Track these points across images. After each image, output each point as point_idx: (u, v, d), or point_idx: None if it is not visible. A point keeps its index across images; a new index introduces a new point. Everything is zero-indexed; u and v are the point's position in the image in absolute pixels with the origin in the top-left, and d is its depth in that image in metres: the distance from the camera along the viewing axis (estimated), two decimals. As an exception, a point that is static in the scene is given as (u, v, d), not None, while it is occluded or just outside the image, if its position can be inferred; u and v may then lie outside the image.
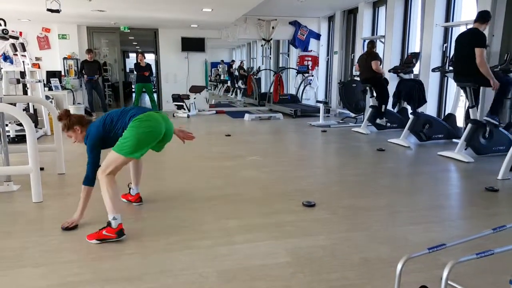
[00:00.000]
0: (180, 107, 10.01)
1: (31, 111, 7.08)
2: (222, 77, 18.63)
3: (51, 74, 8.80)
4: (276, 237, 2.71)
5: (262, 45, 12.43)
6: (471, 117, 5.05)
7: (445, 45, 6.90)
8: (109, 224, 2.64)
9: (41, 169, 3.89)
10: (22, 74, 7.11)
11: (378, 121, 7.22)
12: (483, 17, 4.78)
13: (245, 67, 16.57)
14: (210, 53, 12.35)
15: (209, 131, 7.85)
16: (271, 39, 11.63)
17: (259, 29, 11.38)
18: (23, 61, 7.05)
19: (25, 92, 7.24)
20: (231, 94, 16.75)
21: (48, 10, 5.47)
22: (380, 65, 6.98)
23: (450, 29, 6.84)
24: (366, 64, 7.08)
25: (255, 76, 13.92)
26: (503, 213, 3.33)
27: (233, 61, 19.37)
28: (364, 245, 2.58)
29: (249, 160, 5.09)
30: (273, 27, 11.39)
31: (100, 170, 2.78)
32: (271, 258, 2.41)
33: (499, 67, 5.23)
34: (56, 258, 2.40)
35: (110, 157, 2.77)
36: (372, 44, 7.13)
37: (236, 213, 3.18)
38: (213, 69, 19.56)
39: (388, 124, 7.29)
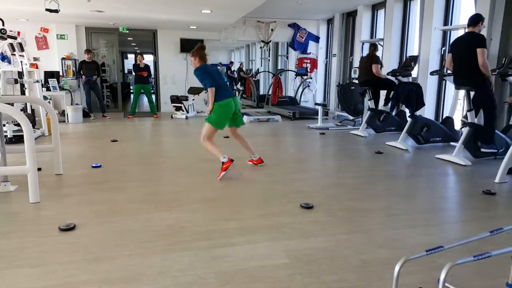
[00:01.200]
0: (178, 109, 10.01)
1: (29, 111, 7.07)
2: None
3: (49, 75, 8.78)
4: (274, 239, 2.71)
5: (261, 47, 12.43)
6: (469, 120, 5.06)
7: (443, 48, 6.93)
8: (223, 163, 4.25)
9: (39, 169, 3.88)
10: (20, 74, 7.09)
11: (381, 107, 7.20)
12: (473, 19, 4.82)
13: (244, 68, 16.58)
14: (209, 54, 12.35)
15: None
16: (270, 41, 11.64)
17: (258, 31, 11.39)
18: (21, 61, 7.04)
19: (22, 92, 7.22)
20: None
21: (47, 10, 5.47)
22: (380, 69, 7.00)
23: (449, 32, 6.87)
24: (366, 67, 7.11)
25: (254, 78, 13.92)
26: (501, 216, 3.34)
27: (231, 62, 19.38)
28: (362, 247, 2.59)
29: (247, 162, 5.09)
30: (272, 29, 11.41)
31: (201, 139, 4.44)
32: (269, 259, 2.41)
33: (497, 70, 5.26)
34: (53, 258, 2.39)
35: (204, 128, 4.41)
36: (374, 47, 7.15)
37: (234, 215, 3.17)
38: (212, 71, 19.53)
39: (386, 114, 7.26)
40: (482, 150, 5.00)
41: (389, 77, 7.22)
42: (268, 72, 14.48)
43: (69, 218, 3.02)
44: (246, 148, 4.85)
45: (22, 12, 8.12)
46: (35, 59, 9.72)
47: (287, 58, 13.33)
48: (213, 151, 4.39)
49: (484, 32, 4.90)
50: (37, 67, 9.22)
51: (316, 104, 10.15)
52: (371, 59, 7.01)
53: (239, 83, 15.70)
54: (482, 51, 4.66)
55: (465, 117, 5.24)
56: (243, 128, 4.91)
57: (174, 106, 10.06)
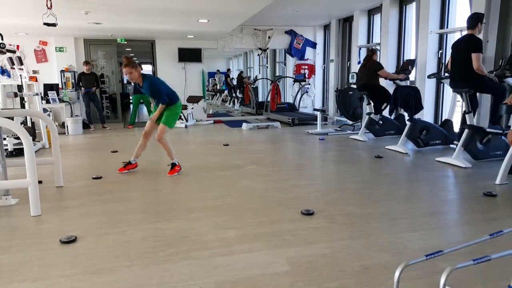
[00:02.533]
0: (178, 118, 10.02)
1: (29, 124, 7.09)
2: (219, 87, 18.71)
3: (48, 87, 8.81)
4: (275, 246, 2.70)
5: (258, 55, 12.49)
6: (468, 122, 5.07)
7: (440, 51, 6.95)
8: (174, 164, 4.83)
9: (39, 182, 3.88)
10: (20, 87, 7.13)
11: (372, 116, 7.22)
12: (471, 21, 4.84)
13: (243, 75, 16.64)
14: (207, 63, 12.40)
15: (207, 141, 7.87)
16: (268, 48, 11.70)
17: (255, 39, 11.45)
18: (20, 75, 7.08)
19: (22, 106, 7.26)
20: (229, 104, 16.80)
21: (45, 24, 5.49)
22: (384, 70, 7.02)
23: (445, 36, 6.90)
24: (364, 71, 7.14)
25: (252, 85, 13.98)
26: (502, 218, 3.34)
27: (228, 69, 19.46)
28: (363, 253, 2.58)
29: (247, 169, 5.09)
30: (269, 37, 11.47)
31: (157, 138, 4.80)
32: (270, 267, 2.41)
33: (494, 72, 5.28)
34: (55, 271, 2.39)
35: (161, 129, 4.80)
36: (372, 51, 7.18)
37: (234, 223, 3.17)
38: (210, 79, 19.65)
39: (381, 122, 7.28)
40: (488, 129, 4.99)
41: (387, 86, 7.25)
42: (266, 79, 14.54)
43: (70, 230, 3.03)
44: (141, 149, 5.10)
45: (21, 26, 8.18)
46: (34, 72, 9.77)
47: (284, 64, 13.40)
48: (168, 151, 4.93)
49: (480, 33, 4.91)
50: (36, 80, 9.25)
51: (315, 109, 10.18)
52: (373, 66, 7.02)
53: (238, 90, 15.75)
54: (477, 56, 4.69)
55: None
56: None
57: (174, 115, 10.07)
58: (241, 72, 16.88)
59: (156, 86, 4.79)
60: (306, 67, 11.62)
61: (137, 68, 4.61)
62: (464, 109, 5.21)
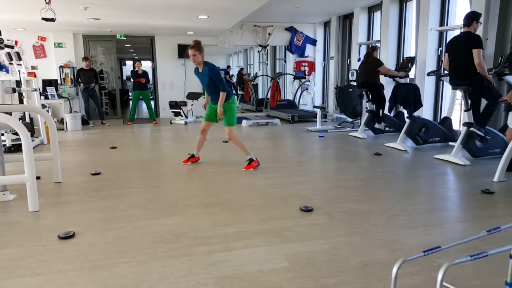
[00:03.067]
0: (177, 114, 10.02)
1: (27, 120, 7.08)
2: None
3: (47, 83, 8.80)
4: (274, 243, 2.71)
5: (258, 51, 12.48)
6: (467, 120, 5.07)
7: (440, 49, 6.95)
8: (251, 160, 4.86)
9: (38, 178, 3.89)
10: (18, 83, 7.10)
11: (376, 125, 7.26)
12: (468, 19, 4.84)
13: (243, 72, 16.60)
14: (207, 59, 12.36)
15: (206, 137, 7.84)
16: (268, 45, 11.68)
17: (255, 35, 11.43)
18: (18, 70, 7.06)
19: (21, 101, 7.23)
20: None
21: (43, 19, 5.48)
22: (384, 66, 7.02)
23: (445, 33, 6.90)
24: (364, 68, 7.13)
25: (252, 82, 13.96)
26: (499, 215, 3.34)
27: (228, 66, 19.41)
28: (362, 249, 2.59)
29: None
30: (269, 33, 11.45)
31: (228, 138, 4.95)
32: (269, 263, 2.41)
33: (494, 70, 5.27)
34: (53, 267, 2.39)
35: (230, 130, 4.88)
36: (373, 48, 7.17)
37: (234, 219, 3.18)
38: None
39: (387, 128, 7.32)
40: (471, 129, 5.01)
41: (386, 84, 7.26)
42: (267, 75, 14.52)
43: (69, 226, 3.03)
44: (199, 144, 5.33)
45: (19, 22, 8.16)
46: (33, 67, 9.76)
47: (285, 61, 13.37)
48: (243, 148, 5.01)
49: (480, 31, 4.91)
50: (35, 76, 9.24)
51: (314, 107, 10.18)
52: (373, 63, 7.00)
53: (238, 87, 15.73)
54: (478, 51, 4.69)
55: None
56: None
57: (173, 111, 10.08)
58: (241, 69, 16.84)
59: (217, 71, 4.86)
60: (306, 64, 11.61)
61: (201, 53, 4.74)
62: (463, 107, 5.20)
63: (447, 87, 6.73)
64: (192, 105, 10.26)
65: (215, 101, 4.87)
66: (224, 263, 2.42)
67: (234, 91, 16.10)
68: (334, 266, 2.37)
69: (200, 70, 4.91)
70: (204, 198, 3.77)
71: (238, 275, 2.27)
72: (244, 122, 9.30)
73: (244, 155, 4.98)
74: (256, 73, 15.87)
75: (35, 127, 7.16)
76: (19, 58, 6.95)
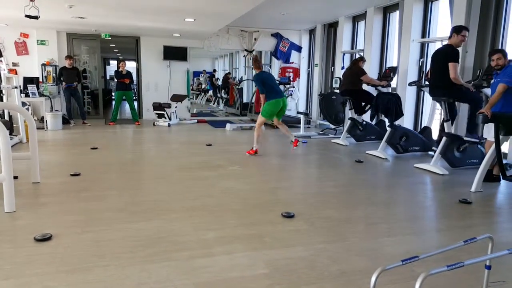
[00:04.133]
0: (161, 116, 9.95)
1: (6, 117, 6.92)
2: (204, 86, 18.63)
3: (28, 80, 8.62)
4: (255, 249, 2.71)
5: (244, 56, 12.49)
6: (446, 130, 5.18)
7: (421, 60, 7.09)
8: (252, 148, 6.11)
9: (15, 177, 3.80)
10: (-2, 80, 6.96)
11: (355, 116, 7.30)
12: (450, 32, 4.99)
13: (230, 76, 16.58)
14: (193, 62, 12.35)
15: (189, 140, 7.82)
16: (253, 50, 11.71)
17: (241, 40, 11.46)
18: (-1, 67, 6.91)
19: (0, 99, 7.08)
20: (213, 104, 16.75)
21: (27, 16, 5.39)
22: (367, 75, 7.10)
23: (426, 44, 7.04)
24: (348, 76, 7.22)
25: (237, 87, 13.96)
26: (476, 225, 3.42)
27: (214, 70, 19.40)
28: (341, 257, 2.61)
29: (229, 170, 5.09)
30: (255, 39, 11.49)
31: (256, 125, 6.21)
32: (249, 270, 2.41)
33: (472, 82, 5.41)
34: (28, 270, 2.34)
35: (259, 118, 6.18)
36: (360, 58, 7.28)
37: (215, 224, 3.16)
38: (195, 78, 19.55)
39: (364, 122, 7.38)
40: (465, 138, 5.11)
41: (370, 89, 7.36)
42: (252, 80, 14.53)
43: (46, 228, 2.96)
44: (285, 132, 6.48)
45: (2, 17, 7.99)
46: (14, 64, 9.55)
47: (270, 67, 13.41)
48: (256, 136, 6.18)
49: (461, 39, 5.01)
50: (16, 73, 9.05)
51: (298, 112, 10.22)
52: (356, 71, 7.09)
53: (223, 90, 15.71)
54: (453, 65, 4.82)
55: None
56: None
57: (157, 113, 10.00)
58: (228, 73, 16.83)
59: (258, 80, 6.17)
60: (291, 70, 11.67)
61: (259, 65, 6.27)
62: (443, 117, 5.32)
63: (427, 97, 6.86)
64: (176, 107, 10.20)
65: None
66: (204, 268, 2.41)
67: (219, 94, 16.10)
68: (314, 273, 2.38)
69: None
70: (185, 202, 3.75)
71: (218, 281, 2.26)
72: (228, 125, 9.29)
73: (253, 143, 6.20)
74: (241, 77, 15.88)
75: (14, 125, 7.01)
76: (0, 55, 6.81)
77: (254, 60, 6.42)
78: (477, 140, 5.12)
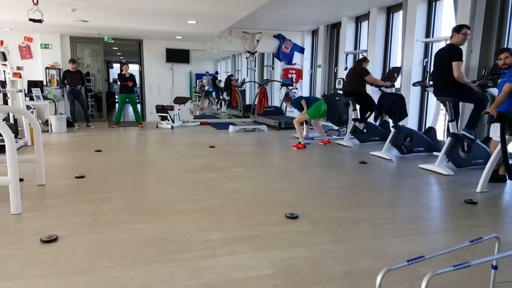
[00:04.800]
0: (164, 118, 9.97)
1: (11, 121, 6.96)
2: (206, 89, 18.65)
3: (32, 84, 8.67)
4: (258, 250, 2.70)
5: (246, 58, 12.51)
6: (451, 130, 5.16)
7: (425, 60, 7.07)
8: (299, 142, 7.00)
9: (21, 180, 3.81)
10: (3, 83, 6.99)
11: (357, 124, 7.28)
12: (452, 31, 4.96)
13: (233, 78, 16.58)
14: (195, 64, 12.36)
15: (193, 142, 7.83)
16: (256, 51, 11.72)
17: (243, 42, 11.47)
18: (3, 71, 6.95)
19: (5, 102, 7.11)
20: (216, 106, 16.76)
21: (30, 20, 5.41)
22: (371, 76, 7.07)
23: (430, 44, 7.02)
24: (352, 77, 7.19)
25: (240, 88, 13.97)
26: (482, 225, 3.40)
27: (216, 72, 19.42)
28: (346, 258, 2.60)
29: (232, 172, 5.09)
30: (257, 40, 11.50)
31: (295, 121, 7.17)
32: (253, 270, 2.40)
33: (478, 82, 5.39)
34: (34, 271, 2.35)
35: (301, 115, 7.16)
36: (364, 59, 7.24)
37: (218, 226, 3.16)
38: (198, 81, 19.58)
39: (364, 131, 7.36)
40: (462, 132, 5.10)
41: (373, 94, 7.34)
42: (254, 82, 14.55)
43: (51, 229, 2.98)
44: (319, 133, 7.56)
45: (6, 22, 8.04)
46: (18, 68, 9.60)
47: (272, 68, 13.43)
48: (298, 132, 7.14)
49: (463, 38, 4.99)
50: (20, 77, 9.10)
51: (301, 114, 10.20)
52: (360, 72, 7.06)
53: (225, 92, 15.72)
54: (457, 64, 4.79)
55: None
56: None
57: (160, 115, 10.02)
58: (231, 75, 16.84)
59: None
60: (294, 71, 11.67)
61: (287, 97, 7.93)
62: (447, 117, 5.29)
63: (432, 97, 6.84)
64: (179, 109, 10.22)
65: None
66: (208, 269, 2.41)
67: (221, 96, 16.11)
68: (318, 274, 2.38)
69: None
70: (189, 204, 3.75)
71: (222, 282, 2.26)
72: (231, 127, 9.30)
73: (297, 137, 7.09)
74: (244, 79, 15.89)
75: (19, 129, 7.05)
76: (5, 59, 6.86)
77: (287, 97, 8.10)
78: (473, 137, 5.09)
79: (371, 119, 7.49)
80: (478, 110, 4.96)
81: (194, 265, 2.45)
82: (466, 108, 5.67)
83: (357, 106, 7.28)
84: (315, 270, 2.41)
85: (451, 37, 4.96)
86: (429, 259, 1.72)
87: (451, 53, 4.88)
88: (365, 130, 7.32)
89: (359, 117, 7.24)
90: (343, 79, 8.43)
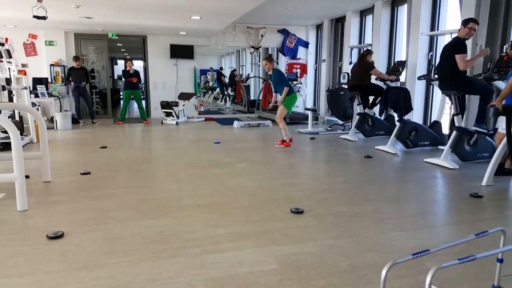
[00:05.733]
0: (168, 114, 9.99)
1: (17, 118, 7.00)
2: (211, 84, 18.65)
3: (37, 81, 8.71)
4: (264, 245, 2.71)
5: (251, 53, 12.48)
6: (456, 124, 5.13)
7: (430, 53, 7.02)
8: (284, 140, 6.50)
9: (27, 177, 3.84)
10: (8, 81, 7.04)
11: (366, 110, 7.27)
12: (461, 24, 4.92)
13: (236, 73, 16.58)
14: (199, 60, 12.38)
15: (198, 138, 7.84)
16: (260, 46, 11.69)
17: (248, 37, 11.44)
18: (8, 68, 6.98)
19: (10, 99, 7.16)
20: (220, 101, 16.77)
21: (35, 17, 5.43)
22: (376, 69, 7.03)
23: (435, 38, 6.97)
24: (356, 71, 7.16)
25: (244, 84, 13.95)
26: (487, 218, 3.39)
27: (221, 68, 19.41)
28: (351, 252, 2.60)
29: (237, 167, 5.09)
30: (262, 35, 11.46)
31: (278, 117, 6.53)
32: (259, 265, 2.41)
33: (483, 75, 5.34)
34: (41, 267, 2.37)
35: (281, 109, 6.50)
36: (368, 52, 7.19)
37: (224, 221, 3.17)
38: (202, 76, 19.58)
39: (375, 114, 7.34)
40: (473, 128, 5.07)
41: (378, 82, 7.31)
42: (258, 77, 14.53)
43: (57, 226, 3.00)
44: (283, 131, 6.62)
45: (10, 19, 8.07)
46: (23, 65, 9.65)
47: (277, 63, 13.37)
48: (283, 129, 6.54)
49: (468, 32, 4.95)
50: (25, 74, 9.15)
51: (306, 109, 10.20)
52: (365, 66, 7.03)
53: (230, 88, 15.72)
54: (461, 57, 4.77)
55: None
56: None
57: (164, 111, 10.04)
58: (234, 70, 16.82)
59: (283, 74, 6.87)
60: (298, 66, 11.63)
61: (272, 62, 6.51)
62: (452, 111, 5.26)
63: (437, 91, 6.80)
64: (183, 105, 10.23)
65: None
66: (214, 264, 2.42)
67: (226, 91, 16.11)
68: (323, 268, 2.38)
69: (269, 73, 6.73)
70: (194, 199, 3.76)
71: (228, 277, 2.27)
72: (235, 123, 9.30)
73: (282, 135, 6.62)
74: (248, 74, 15.88)
75: (24, 126, 7.09)
76: (9, 56, 6.88)
77: (270, 58, 6.50)
78: (485, 131, 5.05)
79: (375, 114, 7.46)
80: (484, 101, 4.92)
81: (200, 261, 2.46)
82: (472, 102, 5.63)
83: (362, 102, 7.26)
84: (320, 265, 2.42)
85: (459, 30, 4.93)
86: (434, 252, 1.71)
87: (454, 46, 4.86)
88: (374, 114, 7.31)
89: (366, 108, 7.20)
90: (348, 74, 8.40)
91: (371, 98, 7.39)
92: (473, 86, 4.99)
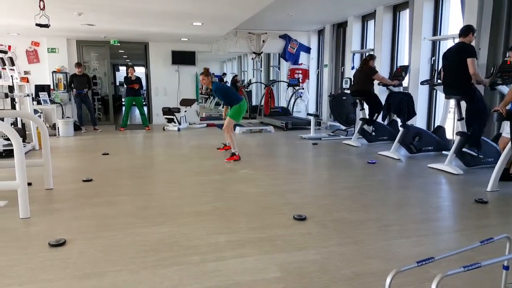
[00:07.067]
0: (170, 120, 9.99)
1: (19, 125, 7.01)
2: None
3: (40, 88, 8.74)
4: (266, 252, 2.69)
5: (252, 58, 12.50)
6: (460, 129, 5.10)
7: (433, 58, 7.01)
8: (233, 154, 5.84)
9: (29, 184, 3.84)
10: (11, 88, 7.06)
11: (365, 127, 7.25)
12: (465, 31, 4.91)
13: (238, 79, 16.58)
14: (201, 66, 12.36)
15: (199, 144, 7.84)
16: (262, 52, 11.72)
17: (249, 43, 11.47)
18: (11, 75, 7.01)
19: (13, 107, 7.17)
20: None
21: (37, 25, 5.44)
22: (379, 74, 7.01)
23: (438, 42, 6.96)
24: (359, 77, 7.14)
25: (246, 89, 13.96)
26: (492, 225, 3.35)
27: (224, 74, 19.44)
28: (354, 259, 2.57)
29: (240, 173, 5.08)
30: (263, 41, 11.49)
31: (225, 129, 5.98)
32: (261, 273, 2.39)
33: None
34: (43, 275, 2.35)
35: (227, 121, 5.95)
36: (370, 57, 7.16)
37: (226, 228, 3.15)
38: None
39: (373, 134, 7.32)
40: (464, 149, 5.07)
41: (380, 89, 7.29)
42: (260, 83, 14.54)
43: (59, 233, 2.98)
44: (230, 142, 6.09)
45: (13, 27, 8.11)
46: (25, 73, 9.69)
47: (279, 69, 13.41)
48: (231, 141, 5.99)
49: (472, 40, 4.95)
50: (27, 81, 9.18)
51: (308, 114, 10.19)
52: (368, 71, 7.00)
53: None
54: (472, 60, 4.74)
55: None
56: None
57: (166, 118, 10.04)
58: (236, 75, 16.84)
59: (223, 86, 6.80)
60: (300, 71, 11.64)
61: (208, 76, 5.97)
62: (456, 116, 5.24)
63: (440, 96, 6.78)
64: (185, 111, 10.23)
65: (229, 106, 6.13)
66: (215, 272, 2.39)
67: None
68: (326, 276, 2.35)
69: (210, 88, 6.32)
70: (196, 206, 3.74)
71: (229, 285, 2.24)
72: (237, 129, 9.28)
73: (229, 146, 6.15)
74: (250, 80, 15.89)
75: (27, 133, 7.11)
76: (12, 63, 6.91)
77: (207, 73, 5.97)
78: (475, 154, 5.08)
79: (379, 119, 7.44)
80: (480, 122, 4.91)
81: (201, 268, 2.44)
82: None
83: (365, 106, 7.22)
84: (323, 273, 2.39)
85: (466, 35, 4.89)
86: (439, 260, 1.69)
87: (463, 50, 4.82)
88: (373, 133, 7.29)
89: (367, 118, 7.18)
90: (350, 79, 8.39)
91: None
92: (475, 98, 4.94)
